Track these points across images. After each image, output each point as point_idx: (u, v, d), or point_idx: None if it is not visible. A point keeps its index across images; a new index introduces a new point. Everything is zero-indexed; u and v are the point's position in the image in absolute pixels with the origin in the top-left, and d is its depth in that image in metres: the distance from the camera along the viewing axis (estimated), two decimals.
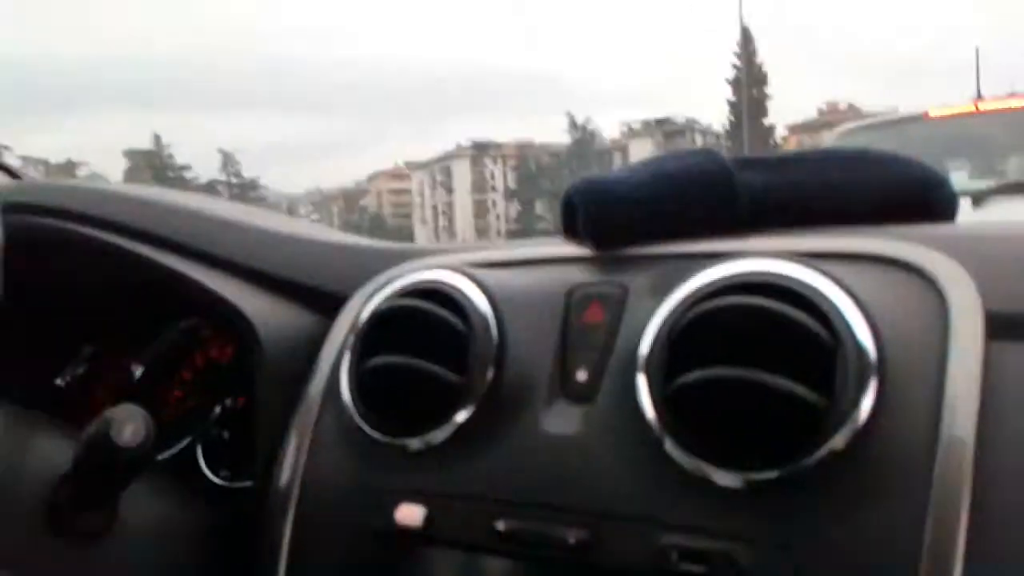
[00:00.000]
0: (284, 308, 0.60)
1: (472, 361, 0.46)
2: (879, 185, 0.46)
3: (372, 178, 75.15)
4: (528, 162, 61.00)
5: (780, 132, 45.66)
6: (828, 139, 3.31)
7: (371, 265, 0.58)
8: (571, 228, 0.50)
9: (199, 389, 0.67)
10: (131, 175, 55.84)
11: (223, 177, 62.25)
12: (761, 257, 0.39)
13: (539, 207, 59.71)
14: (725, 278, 0.39)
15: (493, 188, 65.01)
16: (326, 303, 0.58)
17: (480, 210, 65.49)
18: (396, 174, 73.89)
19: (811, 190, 0.46)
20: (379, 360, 0.48)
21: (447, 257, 0.55)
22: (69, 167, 48.43)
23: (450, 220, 66.92)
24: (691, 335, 0.38)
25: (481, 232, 63.93)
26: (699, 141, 58.93)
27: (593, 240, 0.48)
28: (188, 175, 59.57)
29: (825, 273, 0.38)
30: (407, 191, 72.61)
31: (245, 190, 63.61)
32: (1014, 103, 3.14)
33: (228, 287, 0.59)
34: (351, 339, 0.52)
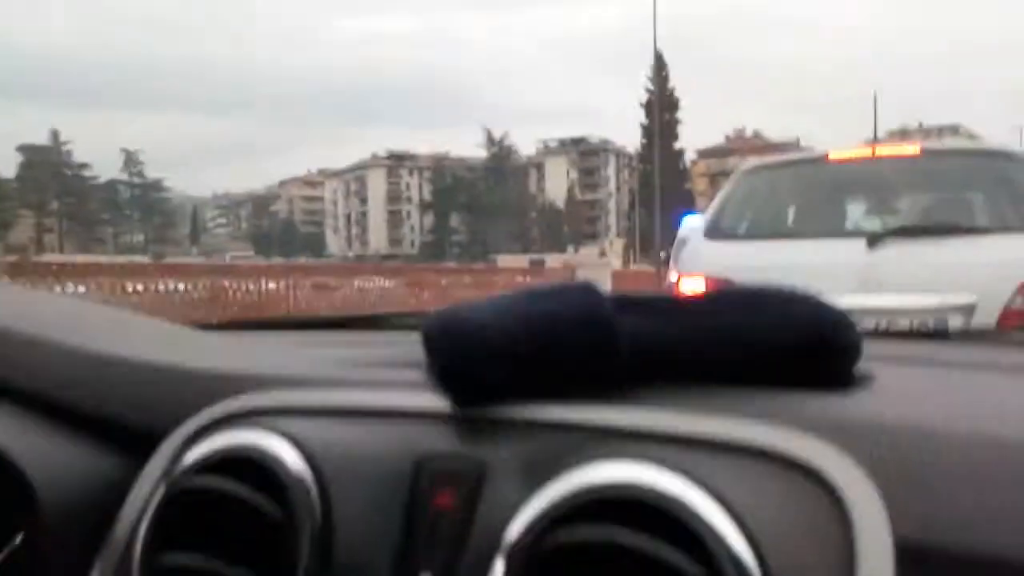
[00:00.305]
0: (75, 449, 0.49)
1: (287, 558, 0.38)
2: (777, 332, 0.42)
3: (284, 184, 73.62)
4: (444, 175, 60.87)
5: (690, 156, 47.11)
6: (731, 175, 3.35)
7: (191, 398, 0.48)
8: (431, 368, 0.43)
9: None
10: (25, 171, 53.21)
11: (125, 177, 59.94)
12: (630, 461, 0.34)
13: (454, 220, 59.65)
14: (587, 490, 0.33)
15: (408, 199, 64.57)
16: (132, 444, 0.49)
17: (394, 221, 64.93)
18: (309, 181, 72.62)
19: (701, 339, 0.42)
20: (169, 558, 0.40)
21: (277, 395, 0.47)
22: None
23: (363, 229, 66.07)
24: (541, 566, 0.33)
25: (395, 243, 63.39)
26: (612, 161, 60.20)
27: (449, 396, 0.42)
28: (87, 173, 57.13)
29: (702, 486, 0.33)
30: (320, 199, 71.34)
31: (148, 191, 61.37)
32: (908, 148, 3.27)
33: None
34: (145, 518, 0.43)
